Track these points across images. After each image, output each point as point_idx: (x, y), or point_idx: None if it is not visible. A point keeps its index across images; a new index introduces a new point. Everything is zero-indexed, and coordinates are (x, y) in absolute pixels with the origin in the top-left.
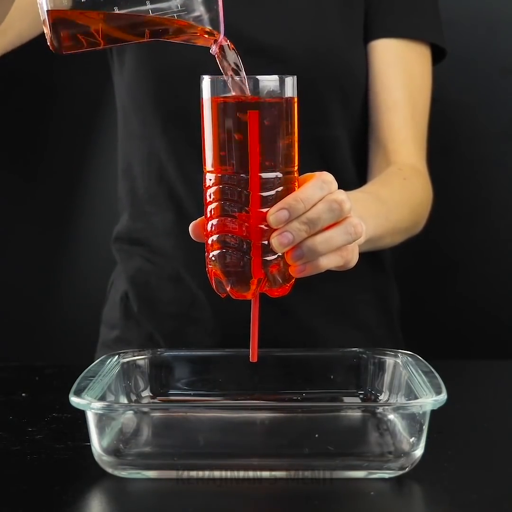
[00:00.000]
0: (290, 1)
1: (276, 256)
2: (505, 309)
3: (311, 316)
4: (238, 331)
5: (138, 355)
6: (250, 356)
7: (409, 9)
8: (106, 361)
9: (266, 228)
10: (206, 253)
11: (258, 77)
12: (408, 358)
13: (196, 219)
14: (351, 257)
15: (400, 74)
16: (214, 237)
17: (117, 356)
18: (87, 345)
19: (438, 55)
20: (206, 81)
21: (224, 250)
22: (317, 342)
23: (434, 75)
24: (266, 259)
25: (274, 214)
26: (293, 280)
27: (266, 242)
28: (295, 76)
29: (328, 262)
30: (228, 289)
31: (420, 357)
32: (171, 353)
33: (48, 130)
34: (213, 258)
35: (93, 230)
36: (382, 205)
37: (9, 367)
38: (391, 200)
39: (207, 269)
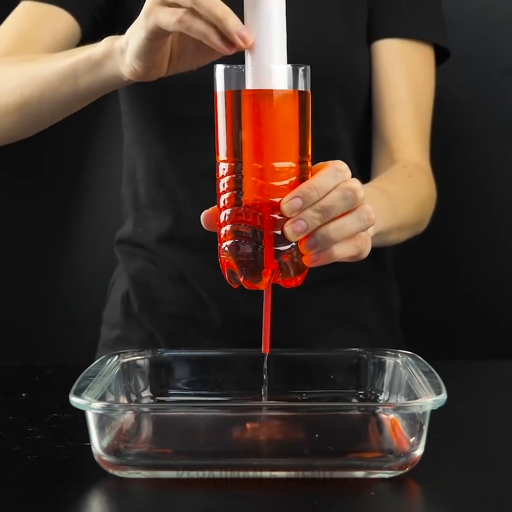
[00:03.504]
0: (292, 0)
1: (289, 246)
2: (505, 309)
3: (312, 318)
4: (238, 332)
5: (138, 355)
6: (262, 347)
7: (412, 9)
8: (106, 361)
9: (279, 217)
10: (218, 244)
11: (271, 66)
12: (408, 358)
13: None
14: (365, 246)
15: (404, 73)
16: (227, 227)
17: (117, 356)
18: (87, 345)
19: (441, 56)
20: (219, 70)
21: (237, 240)
22: (318, 343)
23: (435, 75)
24: (279, 249)
25: (287, 202)
26: (306, 270)
27: (279, 232)
28: (309, 66)
29: (342, 251)
30: (241, 279)
31: (420, 357)
32: (171, 353)
33: (51, 132)
34: (226, 249)
35: (94, 230)
36: (389, 200)
37: (9, 367)
38: (398, 196)
39: (219, 259)
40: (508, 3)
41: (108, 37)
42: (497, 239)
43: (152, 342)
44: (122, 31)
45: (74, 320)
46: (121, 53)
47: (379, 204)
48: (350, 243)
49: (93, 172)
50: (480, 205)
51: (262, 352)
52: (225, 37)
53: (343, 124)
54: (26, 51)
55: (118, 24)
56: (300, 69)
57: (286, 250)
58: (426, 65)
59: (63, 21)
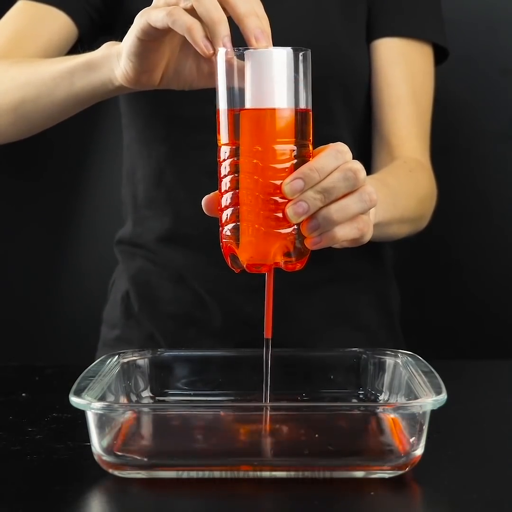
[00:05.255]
0: (292, 0)
1: (291, 229)
2: (505, 309)
3: (312, 317)
4: (238, 332)
5: (138, 355)
6: (265, 332)
7: (412, 9)
8: (106, 361)
9: (281, 200)
10: (220, 228)
11: (272, 49)
12: (408, 358)
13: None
14: (367, 229)
15: (403, 71)
16: (229, 210)
17: (117, 356)
18: (87, 345)
19: (440, 56)
20: (221, 53)
21: (239, 223)
22: (318, 343)
23: (435, 75)
24: (281, 232)
25: (288, 183)
26: (308, 254)
27: (281, 215)
28: (309, 50)
29: (344, 233)
30: (244, 265)
31: (420, 357)
32: (171, 353)
33: (52, 132)
34: (228, 233)
35: (94, 230)
36: (389, 191)
37: (9, 367)
38: (399, 189)
39: (221, 244)
40: (508, 3)
41: (109, 42)
42: (497, 238)
43: (152, 342)
44: (120, 33)
45: (74, 320)
46: (117, 57)
47: (380, 195)
48: (352, 225)
49: (93, 172)
50: (480, 204)
51: (265, 337)
52: (207, 40)
53: (343, 123)
54: (21, 50)
55: (116, 25)
56: (300, 54)
57: (288, 233)
58: (426, 64)
59: (60, 22)
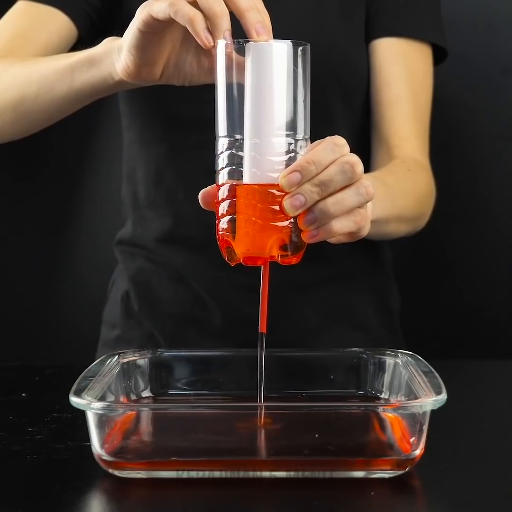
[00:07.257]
0: (291, 0)
1: (287, 222)
2: (505, 309)
3: (311, 317)
4: (238, 331)
5: (138, 355)
6: (259, 326)
7: (411, 9)
8: (106, 361)
9: (278, 193)
10: (216, 221)
11: (272, 42)
12: (408, 358)
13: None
14: (364, 223)
15: (402, 71)
16: (226, 203)
17: (117, 356)
18: (87, 345)
19: (439, 56)
20: (221, 45)
21: (235, 216)
22: (317, 342)
23: (434, 75)
24: (278, 226)
25: (286, 176)
26: (304, 248)
27: (278, 208)
28: (309, 45)
29: (341, 227)
30: (241, 259)
31: (420, 357)
32: (171, 353)
33: (52, 132)
34: (225, 225)
35: (94, 230)
36: (387, 189)
37: (9, 367)
38: (396, 187)
39: (217, 237)
40: (508, 3)
41: (110, 37)
42: (497, 239)
43: (152, 342)
44: (118, 34)
45: (74, 320)
46: (118, 51)
47: (378, 192)
48: (349, 218)
49: (93, 173)
50: (479, 205)
51: (259, 331)
52: (208, 32)
53: (342, 123)
54: (21, 50)
55: (116, 26)
56: (300, 48)
57: (284, 226)
58: (424, 63)
59: (59, 22)
